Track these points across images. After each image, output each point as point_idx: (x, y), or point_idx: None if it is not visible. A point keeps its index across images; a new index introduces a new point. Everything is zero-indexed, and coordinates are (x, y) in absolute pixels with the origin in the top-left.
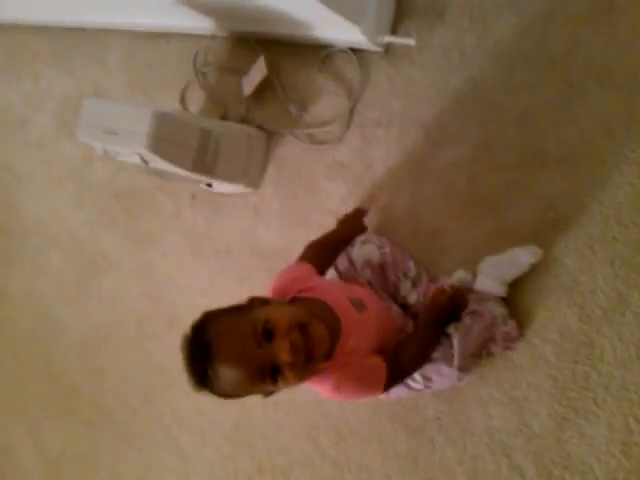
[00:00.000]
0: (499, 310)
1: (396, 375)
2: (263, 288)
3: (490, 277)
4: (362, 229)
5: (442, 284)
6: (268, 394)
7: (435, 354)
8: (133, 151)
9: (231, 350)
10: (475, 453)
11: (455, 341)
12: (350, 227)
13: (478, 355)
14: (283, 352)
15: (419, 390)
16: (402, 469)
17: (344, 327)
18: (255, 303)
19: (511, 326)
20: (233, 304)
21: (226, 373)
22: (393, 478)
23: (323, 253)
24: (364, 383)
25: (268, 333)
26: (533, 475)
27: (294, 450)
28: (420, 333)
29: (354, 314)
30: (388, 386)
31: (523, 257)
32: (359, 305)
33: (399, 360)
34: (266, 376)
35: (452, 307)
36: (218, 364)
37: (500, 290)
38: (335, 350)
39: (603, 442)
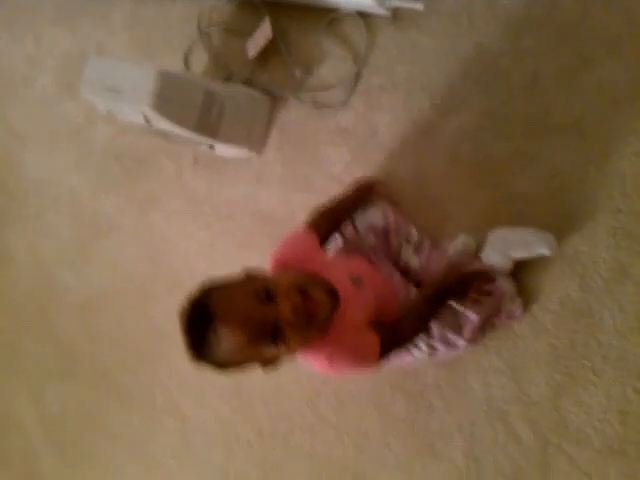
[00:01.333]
0: (508, 287)
1: (389, 345)
2: (264, 253)
3: (497, 251)
4: (371, 196)
5: (446, 250)
6: (267, 363)
7: (443, 324)
8: (137, 110)
9: (233, 310)
10: (473, 419)
11: (466, 314)
12: (361, 193)
13: (483, 328)
14: (285, 311)
15: (422, 359)
16: (400, 434)
17: (341, 302)
18: (251, 274)
19: (517, 304)
20: (228, 277)
21: (227, 333)
22: (391, 443)
23: (329, 221)
24: (357, 356)
25: (269, 296)
26: (530, 441)
27: (294, 415)
28: (419, 305)
29: (352, 291)
30: (381, 357)
31: (537, 246)
32: (357, 281)
33: (394, 331)
34: (267, 336)
35: (458, 285)
36: (220, 324)
37: (506, 265)
38: (332, 323)
39: (600, 410)
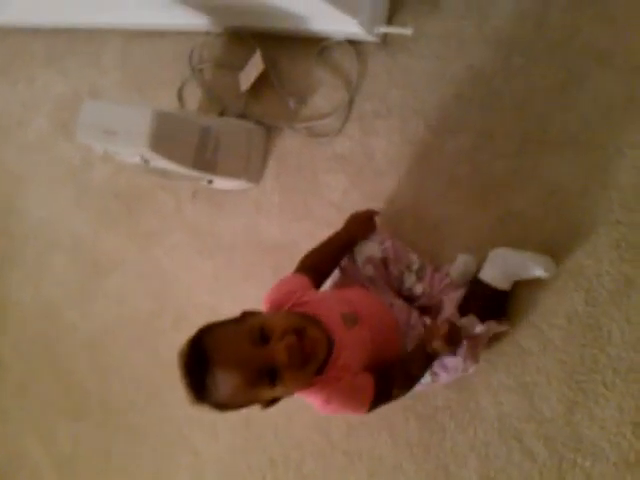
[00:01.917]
0: (465, 321)
1: (382, 398)
2: (266, 284)
3: (497, 269)
4: (371, 230)
5: (449, 272)
6: (267, 404)
7: None
8: (134, 151)
9: (228, 354)
10: (486, 439)
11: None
12: (358, 230)
13: (476, 345)
14: (279, 353)
15: (428, 384)
16: (414, 457)
17: (336, 343)
18: (248, 315)
19: (475, 328)
20: (227, 318)
21: (224, 377)
22: (405, 466)
23: (321, 263)
24: (351, 401)
25: (264, 338)
26: (545, 459)
27: (305, 442)
28: (411, 362)
29: (344, 332)
30: (373, 407)
31: (536, 269)
32: (352, 320)
33: (388, 384)
34: (264, 378)
35: (447, 345)
36: (216, 368)
37: (504, 284)
38: (327, 365)
39: (614, 424)
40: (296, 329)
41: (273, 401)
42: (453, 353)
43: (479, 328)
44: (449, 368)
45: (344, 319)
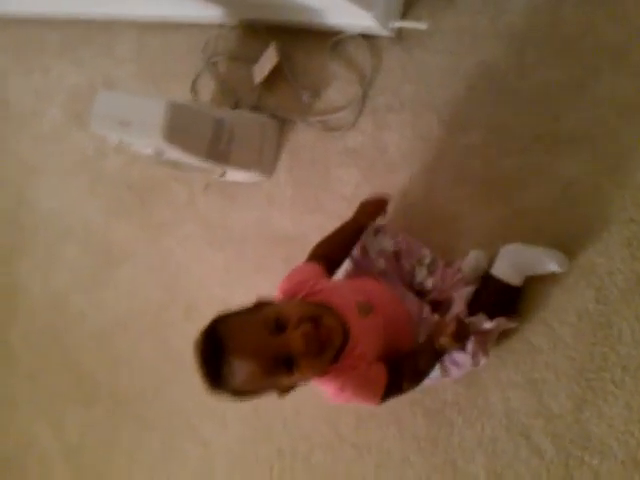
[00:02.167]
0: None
1: (393, 390)
2: (277, 276)
3: (509, 265)
4: (382, 212)
5: (460, 267)
6: (283, 391)
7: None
8: (148, 142)
9: (244, 342)
10: (494, 435)
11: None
12: (368, 217)
13: (484, 341)
14: (296, 341)
15: (438, 379)
16: (421, 451)
17: (352, 332)
18: (263, 304)
19: (483, 323)
20: (240, 307)
21: (241, 365)
22: (412, 460)
23: (333, 252)
24: (365, 390)
25: (280, 327)
26: (552, 456)
27: (314, 434)
28: (419, 357)
29: (359, 320)
30: (384, 398)
31: (549, 264)
32: (366, 309)
33: (399, 377)
34: (280, 366)
35: (456, 343)
36: (232, 357)
37: (516, 280)
38: (343, 353)
39: (622, 422)
40: (312, 317)
41: (289, 389)
42: (462, 349)
43: (488, 324)
44: (459, 363)
45: (358, 308)
